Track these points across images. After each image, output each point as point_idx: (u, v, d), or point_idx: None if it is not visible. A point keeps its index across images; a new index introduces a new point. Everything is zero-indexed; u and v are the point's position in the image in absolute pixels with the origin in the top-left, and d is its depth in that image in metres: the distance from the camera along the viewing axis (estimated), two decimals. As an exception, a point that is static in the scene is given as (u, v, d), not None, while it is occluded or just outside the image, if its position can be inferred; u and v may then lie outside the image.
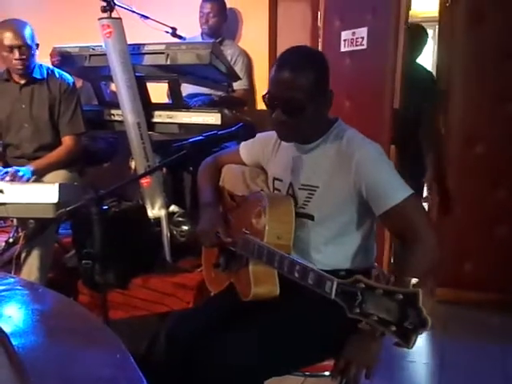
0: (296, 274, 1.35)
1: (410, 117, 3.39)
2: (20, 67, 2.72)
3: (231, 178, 1.91)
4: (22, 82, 2.81)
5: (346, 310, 1.15)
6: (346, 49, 3.35)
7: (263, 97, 1.56)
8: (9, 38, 2.65)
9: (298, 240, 1.57)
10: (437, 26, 3.78)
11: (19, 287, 1.18)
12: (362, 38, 3.22)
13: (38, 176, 2.69)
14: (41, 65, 2.86)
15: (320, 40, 3.69)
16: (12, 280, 1.20)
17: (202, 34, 3.82)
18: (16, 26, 2.69)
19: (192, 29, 3.77)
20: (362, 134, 1.62)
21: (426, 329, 1.03)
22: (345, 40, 3.35)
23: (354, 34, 3.28)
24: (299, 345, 1.48)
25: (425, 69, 3.85)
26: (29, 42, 2.69)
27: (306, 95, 1.48)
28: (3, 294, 1.11)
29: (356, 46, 3.27)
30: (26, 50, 2.69)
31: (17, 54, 2.67)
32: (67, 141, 2.87)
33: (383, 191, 1.48)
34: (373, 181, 1.49)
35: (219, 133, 1.51)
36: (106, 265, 1.91)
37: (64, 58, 3.13)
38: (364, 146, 1.54)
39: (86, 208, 1.75)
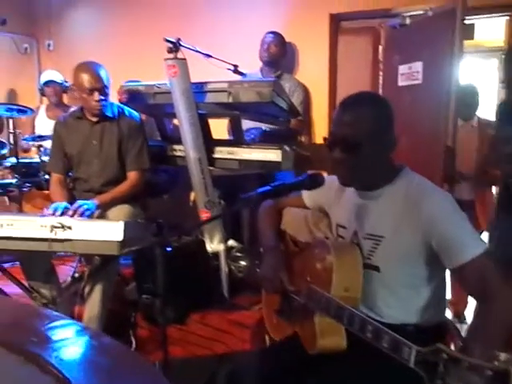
0: (368, 335, 1.30)
1: None
2: (99, 108, 2.83)
3: (293, 222, 1.89)
4: (94, 119, 2.92)
5: (426, 380, 1.09)
6: (403, 83, 3.31)
7: (325, 139, 1.57)
8: (89, 80, 2.76)
9: (364, 292, 1.53)
10: (503, 56, 3.69)
11: (85, 335, 1.19)
12: (418, 72, 3.18)
13: (103, 210, 2.77)
14: (112, 103, 2.97)
15: (381, 74, 3.67)
16: (78, 327, 1.22)
17: (261, 70, 3.89)
18: (94, 68, 2.81)
19: (252, 64, 3.84)
20: (424, 178, 1.58)
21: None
22: (402, 74, 3.32)
23: (410, 68, 3.25)
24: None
25: None
26: (106, 83, 2.81)
27: (364, 134, 1.48)
28: (68, 342, 1.13)
29: (412, 80, 3.24)
30: (104, 91, 2.80)
31: (96, 96, 2.78)
32: (132, 176, 2.94)
33: (455, 246, 1.42)
34: (445, 234, 1.43)
35: (287, 182, 1.50)
36: (165, 300, 1.93)
37: (130, 96, 3.24)
38: (435, 196, 1.49)
39: (150, 249, 1.78)
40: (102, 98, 2.80)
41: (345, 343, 1.49)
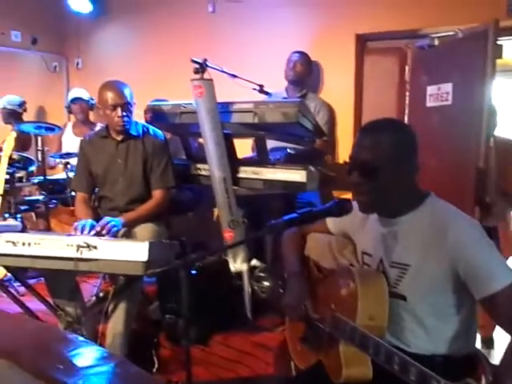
0: (395, 366, 1.27)
1: None
2: (121, 124, 2.86)
3: (317, 248, 1.86)
4: (119, 138, 2.95)
5: (455, 415, 1.07)
6: (432, 104, 3.28)
7: (345, 163, 1.57)
8: (112, 97, 2.81)
9: (390, 321, 1.49)
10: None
11: (110, 363, 1.18)
12: (447, 93, 3.15)
13: (128, 228, 2.79)
14: (137, 122, 3.00)
15: (407, 94, 3.65)
16: (103, 354, 1.21)
17: (286, 89, 3.90)
18: (118, 86, 2.86)
19: (277, 83, 3.85)
20: (449, 203, 1.55)
21: None
22: (430, 95, 3.29)
23: (439, 89, 3.22)
24: None
25: None
26: (129, 100, 2.85)
27: (382, 159, 1.46)
28: (93, 369, 1.12)
29: (441, 101, 3.20)
30: (127, 108, 2.84)
31: (119, 112, 2.82)
32: (157, 194, 2.96)
33: (484, 275, 1.39)
34: (473, 263, 1.40)
35: (314, 210, 1.49)
36: (189, 321, 1.92)
37: (157, 115, 3.26)
38: (462, 224, 1.46)
39: (175, 271, 1.77)
40: (125, 114, 2.83)
41: (371, 373, 1.47)
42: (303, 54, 3.88)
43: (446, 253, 1.43)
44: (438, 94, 3.20)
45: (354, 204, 1.63)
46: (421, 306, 1.50)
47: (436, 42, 3.20)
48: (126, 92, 2.85)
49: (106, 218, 2.64)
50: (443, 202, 1.55)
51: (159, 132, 3.05)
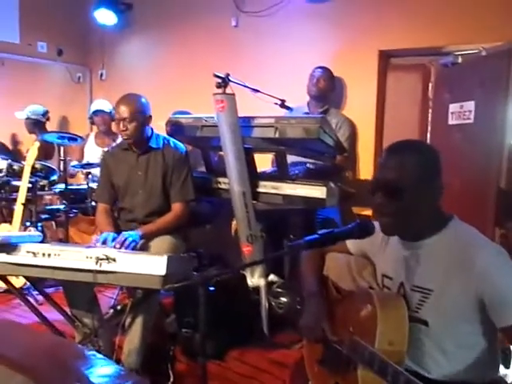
0: (414, 395, 1.24)
1: None
2: (125, 138, 2.90)
3: (336, 268, 1.84)
4: (140, 151, 2.97)
5: None
6: (454, 122, 3.25)
7: (368, 183, 1.55)
8: (117, 111, 2.88)
9: (410, 345, 1.46)
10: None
11: (127, 382, 1.18)
12: (470, 111, 3.12)
13: (146, 240, 2.79)
14: (158, 135, 3.02)
15: (430, 112, 3.62)
16: (120, 372, 1.21)
17: (308, 104, 3.89)
18: (124, 101, 2.89)
19: (299, 98, 3.85)
20: (471, 226, 1.52)
21: None
22: (452, 113, 3.26)
23: (461, 107, 3.18)
24: None
25: None
26: (134, 114, 2.84)
27: (407, 180, 1.45)
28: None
29: (463, 119, 3.17)
30: (128, 123, 2.84)
31: (121, 126, 2.86)
32: (176, 207, 2.96)
33: (509, 303, 1.35)
34: (499, 291, 1.37)
35: (335, 231, 1.47)
36: (206, 336, 1.90)
37: (178, 128, 3.27)
38: (487, 250, 1.43)
39: (193, 287, 1.77)
40: (124, 129, 2.84)
41: None
42: (326, 70, 3.86)
43: (473, 280, 1.40)
44: (461, 112, 3.17)
45: (376, 225, 1.61)
46: (443, 332, 1.47)
47: (459, 60, 3.17)
48: (132, 106, 2.85)
49: (124, 234, 2.64)
50: (466, 226, 1.53)
51: (180, 144, 3.06)
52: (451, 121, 3.24)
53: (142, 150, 2.96)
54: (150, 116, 2.95)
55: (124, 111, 2.84)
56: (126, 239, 2.59)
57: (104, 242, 2.58)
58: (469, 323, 1.44)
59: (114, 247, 2.53)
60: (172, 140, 3.06)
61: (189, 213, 3.02)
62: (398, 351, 1.43)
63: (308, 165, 3.46)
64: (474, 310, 1.42)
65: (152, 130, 2.99)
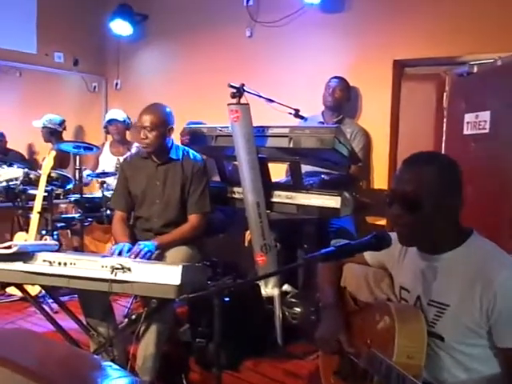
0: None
1: None
2: (143, 146, 2.93)
3: (353, 279, 1.83)
4: (159, 161, 2.98)
5: None
6: (469, 132, 3.23)
7: (384, 194, 1.54)
8: (140, 119, 2.89)
9: (427, 360, 1.44)
10: None
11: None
12: (485, 121, 3.09)
13: (162, 250, 2.80)
14: (178, 146, 3.03)
15: (445, 121, 3.60)
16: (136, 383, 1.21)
17: (322, 114, 3.89)
18: (149, 109, 2.91)
19: (313, 108, 3.86)
20: (490, 241, 1.50)
21: None
22: (468, 123, 3.24)
23: (477, 116, 3.16)
24: None
25: None
26: (155, 123, 2.85)
27: (425, 192, 1.43)
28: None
29: (479, 129, 3.15)
30: (148, 132, 2.85)
31: (141, 134, 2.88)
32: (193, 219, 2.96)
33: None
34: (509, 312, 1.35)
35: (352, 243, 1.46)
36: (220, 347, 1.90)
37: (193, 137, 3.30)
38: (506, 268, 1.40)
39: (208, 298, 1.77)
40: (144, 137, 2.86)
41: None
42: (342, 80, 3.86)
43: (489, 298, 1.38)
44: (476, 122, 3.15)
45: (393, 236, 1.60)
46: (459, 347, 1.45)
47: (475, 69, 3.15)
48: (155, 116, 2.86)
49: (140, 244, 2.66)
50: (486, 242, 1.50)
51: (199, 156, 3.07)
52: (466, 131, 3.22)
53: (162, 161, 2.97)
54: (172, 128, 2.96)
55: (146, 120, 2.86)
56: (141, 249, 2.60)
57: (120, 254, 2.60)
58: (485, 338, 1.43)
59: (129, 257, 2.54)
60: (191, 151, 3.07)
61: (205, 224, 3.02)
62: (416, 365, 1.41)
63: (323, 176, 3.45)
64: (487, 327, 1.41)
65: (172, 141, 3.00)
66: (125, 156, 3.70)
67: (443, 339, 1.46)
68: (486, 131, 3.08)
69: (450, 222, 1.50)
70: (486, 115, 3.08)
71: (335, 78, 3.87)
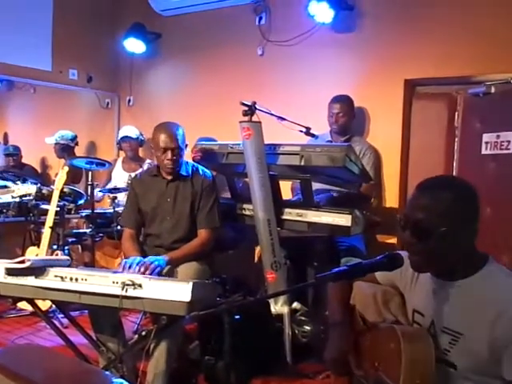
0: None
1: None
2: (170, 167, 2.93)
3: (361, 298, 1.80)
4: (169, 178, 3.00)
5: None
6: (488, 152, 3.22)
7: (399, 217, 1.50)
8: (164, 140, 2.89)
9: None
10: None
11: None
12: (508, 141, 3.09)
13: (172, 266, 2.81)
14: (187, 162, 3.06)
15: (456, 140, 3.60)
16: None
17: (330, 132, 3.89)
18: (171, 129, 2.93)
19: (324, 125, 3.87)
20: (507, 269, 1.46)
21: None
22: (487, 142, 3.23)
23: (498, 137, 3.16)
24: None
25: None
26: (181, 144, 2.91)
27: (437, 220, 1.39)
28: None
29: (501, 149, 3.14)
30: (178, 152, 2.90)
31: (169, 156, 2.89)
32: (202, 234, 2.97)
33: None
34: None
35: (363, 263, 1.46)
36: (229, 365, 1.90)
37: (204, 154, 3.32)
38: None
39: (219, 315, 1.77)
40: (175, 158, 2.89)
41: None
42: (343, 103, 3.80)
43: (500, 331, 1.34)
44: (497, 142, 3.14)
45: (405, 257, 1.55)
46: (472, 377, 1.41)
47: (493, 90, 3.15)
48: (179, 136, 2.91)
49: (151, 258, 2.67)
50: (502, 270, 1.46)
51: (208, 172, 3.09)
52: (485, 151, 3.21)
53: (172, 178, 3.00)
54: (187, 145, 3.02)
55: (174, 140, 2.88)
56: (151, 263, 2.60)
57: (130, 267, 2.61)
58: (499, 372, 1.37)
59: (139, 270, 2.55)
60: (201, 167, 3.10)
61: (214, 239, 3.03)
62: None
63: (332, 193, 3.45)
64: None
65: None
66: (135, 173, 3.73)
67: (456, 368, 1.43)
68: (510, 151, 3.07)
69: (465, 249, 1.45)
70: (509, 135, 3.07)
71: (336, 100, 3.81)
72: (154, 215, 3.02)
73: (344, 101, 3.83)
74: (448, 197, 1.41)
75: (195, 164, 3.12)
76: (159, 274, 2.62)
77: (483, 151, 3.19)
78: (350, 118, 3.85)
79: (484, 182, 3.04)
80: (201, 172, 3.06)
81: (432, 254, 1.44)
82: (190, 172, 3.03)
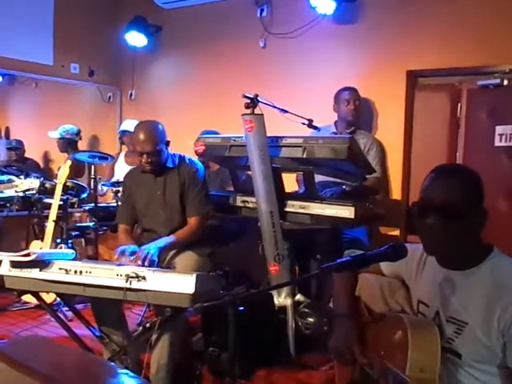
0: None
1: None
2: (148, 168, 2.95)
3: (367, 290, 1.82)
4: (157, 172, 3.00)
5: None
6: (503, 144, 3.20)
7: (413, 205, 1.50)
8: (140, 145, 2.87)
9: (444, 376, 1.43)
10: None
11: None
12: None
13: (164, 253, 2.81)
14: (174, 154, 3.05)
15: (460, 132, 3.59)
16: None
17: (335, 123, 3.88)
18: (147, 132, 2.88)
19: (326, 118, 3.86)
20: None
21: None
22: (500, 134, 3.21)
23: None
24: None
25: None
26: (157, 147, 2.87)
27: (462, 203, 1.42)
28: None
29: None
30: (153, 155, 2.88)
31: (145, 159, 2.89)
32: (191, 221, 2.97)
33: None
34: None
35: (367, 254, 1.46)
36: (233, 357, 1.90)
37: (207, 147, 3.32)
38: None
39: (222, 307, 1.77)
40: (150, 160, 2.88)
41: None
42: (355, 90, 3.82)
43: (506, 321, 1.37)
44: None
45: (410, 249, 1.57)
46: (478, 367, 1.44)
47: (505, 82, 3.12)
48: (156, 137, 2.87)
49: (145, 249, 2.67)
50: (507, 260, 1.48)
51: (196, 161, 3.09)
52: (498, 143, 3.19)
53: (159, 171, 3.00)
54: (169, 141, 2.99)
55: (147, 145, 2.85)
56: (145, 255, 2.60)
57: (122, 252, 2.62)
58: (504, 360, 1.40)
59: (135, 262, 2.56)
60: (188, 157, 3.09)
61: (204, 226, 3.02)
62: (430, 379, 1.39)
63: (344, 187, 3.44)
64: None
65: (167, 150, 3.01)
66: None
67: (460, 356, 1.45)
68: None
69: (474, 237, 1.48)
70: None
71: (347, 89, 3.82)
72: (146, 210, 3.04)
73: (355, 89, 3.84)
74: (463, 181, 1.46)
75: (182, 155, 3.10)
76: (157, 265, 2.64)
77: (497, 143, 3.16)
78: (361, 106, 3.83)
79: (497, 173, 3.02)
80: (187, 161, 3.05)
81: (453, 238, 1.44)
82: (177, 162, 3.02)
